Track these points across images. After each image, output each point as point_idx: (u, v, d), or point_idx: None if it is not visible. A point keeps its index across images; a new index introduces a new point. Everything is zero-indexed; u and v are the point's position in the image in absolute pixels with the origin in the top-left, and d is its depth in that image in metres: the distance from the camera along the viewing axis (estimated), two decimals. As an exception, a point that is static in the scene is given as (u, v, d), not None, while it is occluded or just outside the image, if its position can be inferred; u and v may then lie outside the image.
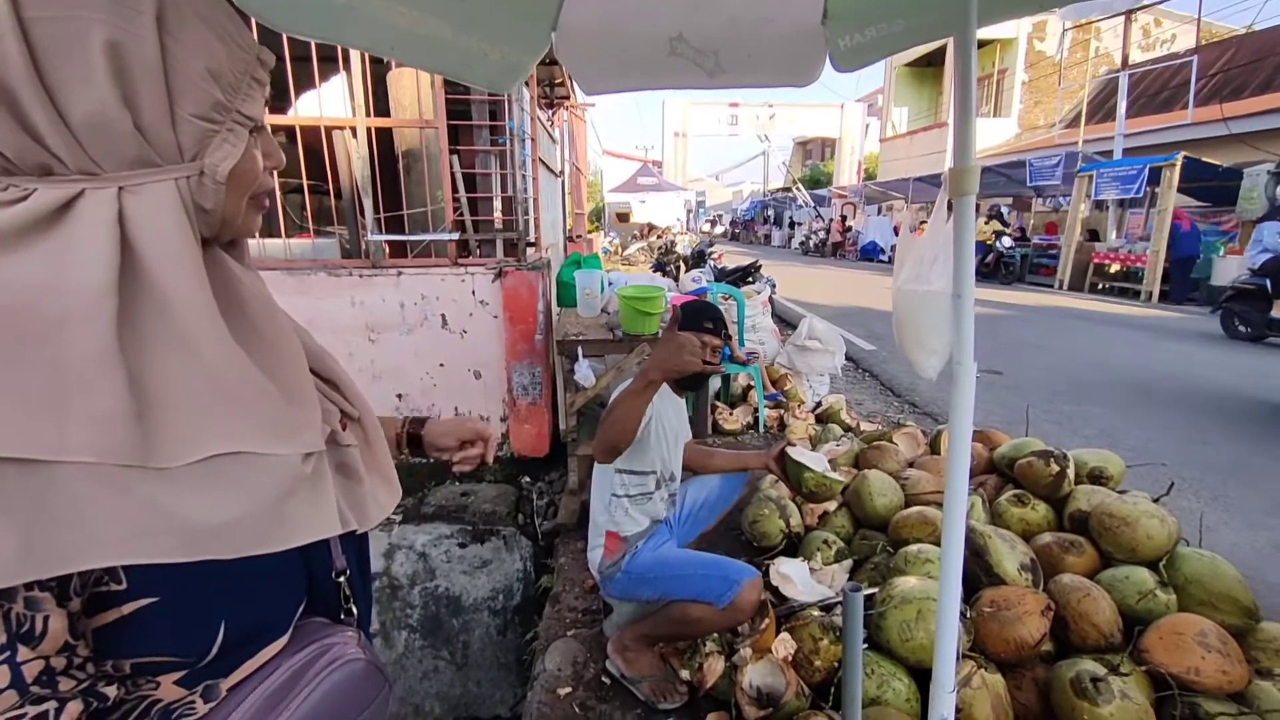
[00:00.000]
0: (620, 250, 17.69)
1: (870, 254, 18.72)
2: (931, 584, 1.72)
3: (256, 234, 0.60)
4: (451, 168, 3.21)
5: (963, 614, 1.66)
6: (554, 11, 1.44)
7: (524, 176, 3.81)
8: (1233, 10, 26.19)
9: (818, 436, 3.29)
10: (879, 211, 21.70)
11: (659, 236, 17.43)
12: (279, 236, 3.32)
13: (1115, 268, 10.90)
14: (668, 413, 1.90)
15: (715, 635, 1.81)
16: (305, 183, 3.17)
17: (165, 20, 0.46)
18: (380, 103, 3.21)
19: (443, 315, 3.34)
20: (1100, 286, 11.15)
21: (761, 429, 3.85)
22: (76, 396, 0.44)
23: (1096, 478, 2.31)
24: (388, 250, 3.66)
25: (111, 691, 0.49)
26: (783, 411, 3.93)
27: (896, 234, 19.04)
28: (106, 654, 0.50)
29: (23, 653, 0.43)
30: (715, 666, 1.74)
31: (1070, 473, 2.20)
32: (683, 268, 9.58)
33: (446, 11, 1.20)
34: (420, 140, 3.48)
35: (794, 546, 2.36)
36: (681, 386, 1.96)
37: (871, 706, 1.55)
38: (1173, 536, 1.87)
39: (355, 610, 0.69)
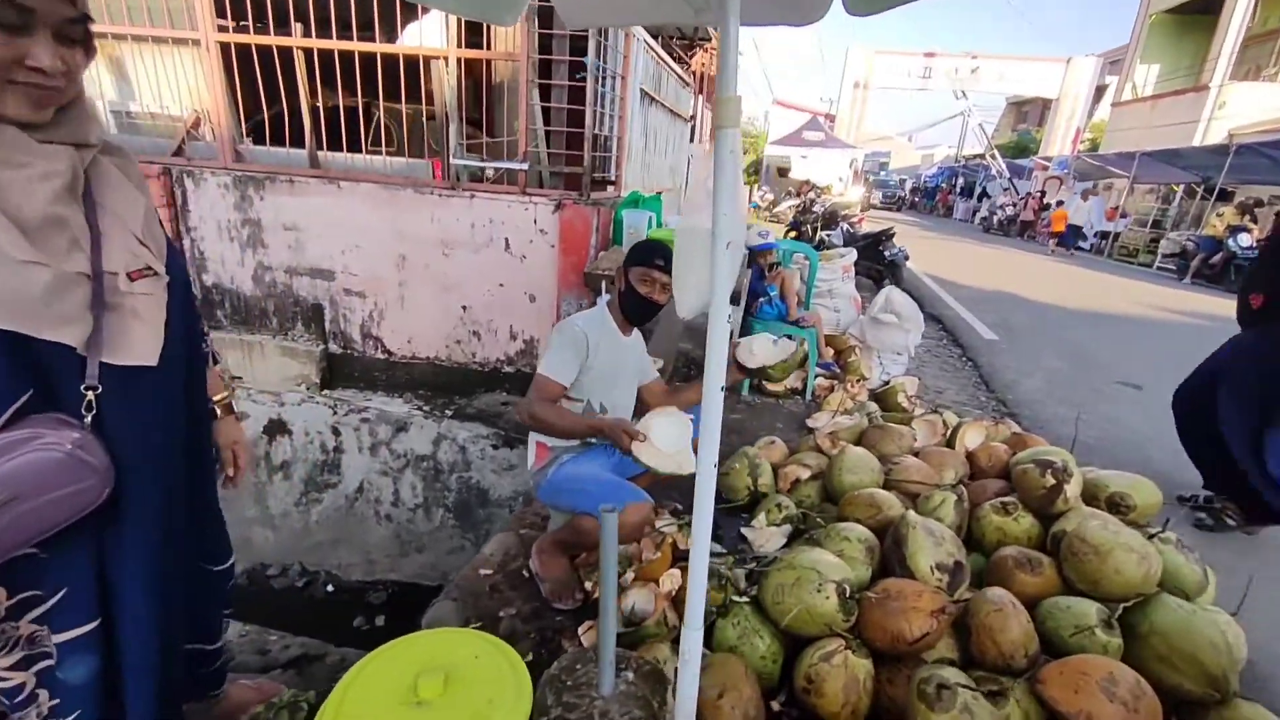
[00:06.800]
0: (771, 206, 17.03)
1: (1065, 241, 14.96)
2: (826, 557, 1.67)
3: (22, 113, 0.78)
4: (529, 99, 3.40)
5: (850, 594, 1.60)
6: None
7: (610, 115, 3.89)
8: None
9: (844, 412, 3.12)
10: (1094, 188, 18.08)
11: (817, 195, 16.43)
12: (379, 153, 3.78)
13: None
14: (610, 354, 1.94)
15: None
16: (404, 107, 3.55)
17: None
18: (480, 35, 3.45)
19: (506, 239, 3.62)
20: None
21: (809, 396, 3.72)
22: None
23: (1115, 505, 1.99)
24: (482, 174, 3.98)
25: None
26: (835, 382, 3.74)
27: (1108, 220, 15.92)
28: None
29: None
30: (607, 583, 1.85)
31: (1071, 489, 1.93)
32: (818, 228, 9.16)
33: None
34: (511, 73, 3.70)
35: (756, 505, 2.35)
36: (630, 319, 2.00)
37: (721, 652, 1.59)
38: (1150, 578, 1.60)
39: (95, 421, 0.82)
